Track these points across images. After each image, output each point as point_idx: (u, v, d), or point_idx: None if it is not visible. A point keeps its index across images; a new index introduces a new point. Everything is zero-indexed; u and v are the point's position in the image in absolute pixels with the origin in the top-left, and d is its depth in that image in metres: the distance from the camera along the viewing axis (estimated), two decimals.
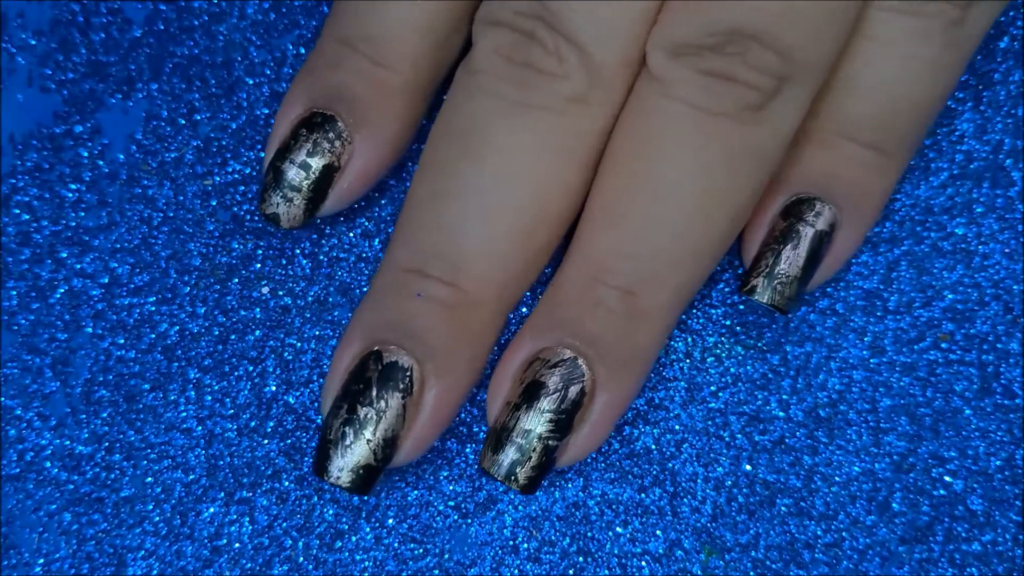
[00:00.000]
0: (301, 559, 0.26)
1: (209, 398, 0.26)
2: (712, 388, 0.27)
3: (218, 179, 0.27)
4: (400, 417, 0.22)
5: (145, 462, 0.26)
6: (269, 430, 0.26)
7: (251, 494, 0.26)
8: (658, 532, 0.26)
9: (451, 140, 0.23)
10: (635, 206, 0.22)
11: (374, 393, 0.22)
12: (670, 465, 0.27)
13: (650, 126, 0.22)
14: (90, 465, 0.26)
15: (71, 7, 0.27)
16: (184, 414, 0.26)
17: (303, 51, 0.27)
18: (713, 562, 0.26)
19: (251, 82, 0.27)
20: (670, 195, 0.22)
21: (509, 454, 0.23)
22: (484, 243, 0.23)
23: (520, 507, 0.26)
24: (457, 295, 0.23)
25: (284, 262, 0.27)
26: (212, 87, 0.27)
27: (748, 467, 0.27)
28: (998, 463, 0.27)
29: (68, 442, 0.26)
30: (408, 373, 0.22)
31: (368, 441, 0.22)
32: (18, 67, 0.27)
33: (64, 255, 0.27)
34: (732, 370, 0.27)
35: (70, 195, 0.27)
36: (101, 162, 0.27)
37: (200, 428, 0.26)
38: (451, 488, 0.26)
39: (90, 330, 0.26)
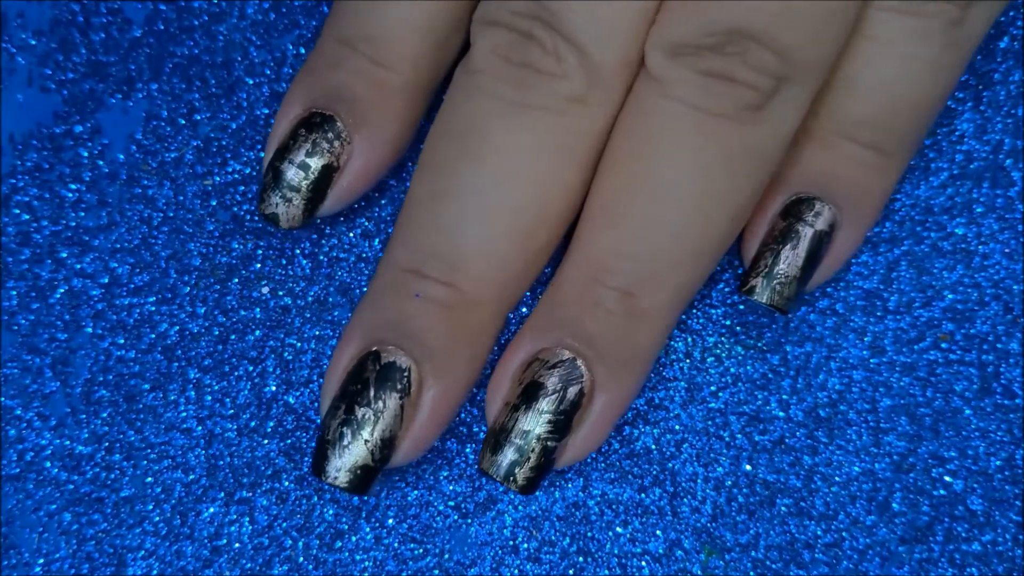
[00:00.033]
0: (301, 559, 0.26)
1: (209, 398, 0.26)
2: (712, 388, 0.27)
3: (218, 179, 0.27)
4: (398, 418, 0.22)
5: (145, 462, 0.26)
6: (269, 430, 0.26)
7: (251, 494, 0.26)
8: (658, 532, 0.26)
9: (450, 140, 0.23)
10: (634, 206, 0.22)
11: (372, 393, 0.22)
12: (670, 465, 0.27)
13: (649, 126, 0.22)
14: (90, 465, 0.26)
15: (71, 7, 0.27)
16: (184, 414, 0.26)
17: (303, 51, 0.27)
18: (713, 562, 0.26)
19: (251, 82, 0.27)
20: (669, 195, 0.22)
21: (508, 455, 0.23)
22: (483, 243, 0.23)
23: (520, 507, 0.26)
24: (456, 295, 0.23)
25: (284, 262, 0.27)
26: (212, 87, 0.27)
27: (748, 467, 0.27)
28: (998, 463, 0.27)
29: (68, 442, 0.26)
30: (406, 373, 0.22)
31: (366, 441, 0.22)
32: (18, 67, 0.27)
33: (64, 255, 0.27)
34: (732, 370, 0.27)
35: (70, 195, 0.27)
36: (101, 162, 0.27)
37: (200, 428, 0.26)
38: (451, 488, 0.26)
39: (90, 330, 0.26)
